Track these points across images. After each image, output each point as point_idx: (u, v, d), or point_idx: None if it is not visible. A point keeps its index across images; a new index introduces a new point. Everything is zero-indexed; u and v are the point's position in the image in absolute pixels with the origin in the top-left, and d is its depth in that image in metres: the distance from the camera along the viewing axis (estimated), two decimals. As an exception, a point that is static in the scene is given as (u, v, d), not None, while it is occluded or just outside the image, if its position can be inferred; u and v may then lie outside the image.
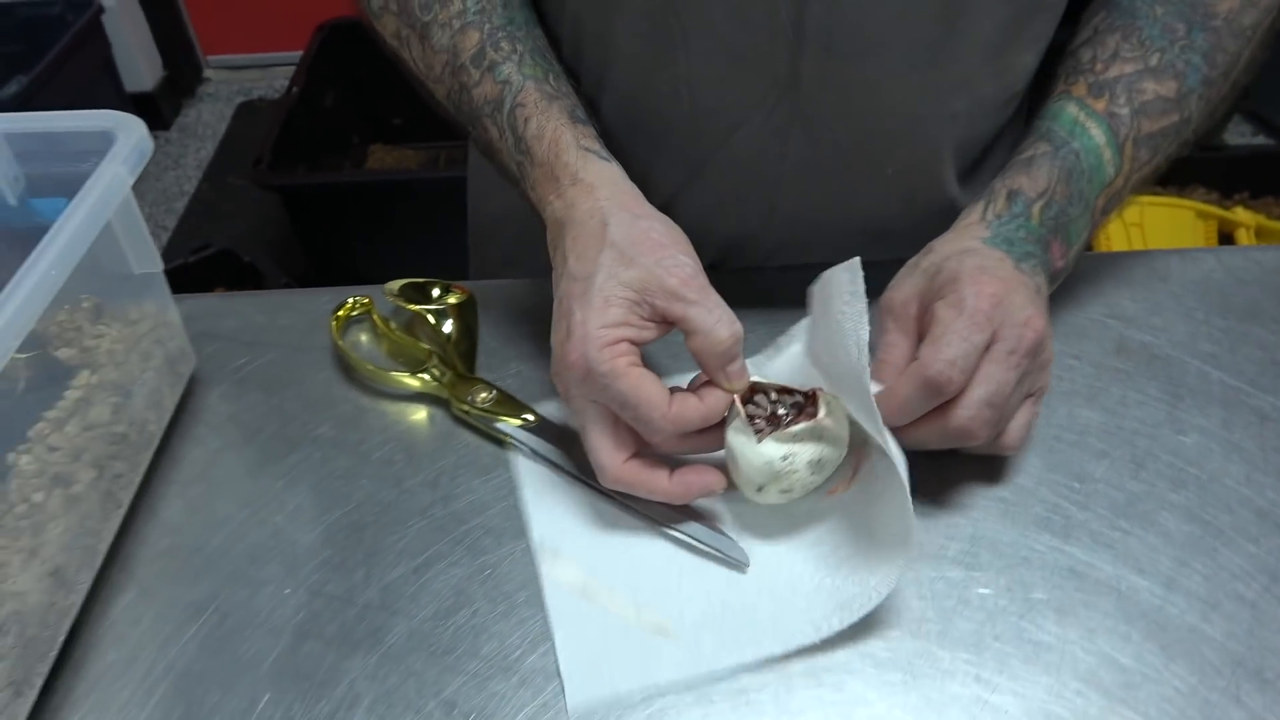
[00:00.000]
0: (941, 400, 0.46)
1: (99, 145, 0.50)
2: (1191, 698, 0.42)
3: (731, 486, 0.47)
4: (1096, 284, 0.61)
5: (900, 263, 0.52)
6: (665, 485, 0.46)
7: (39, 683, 0.43)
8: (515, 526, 0.49)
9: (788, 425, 0.44)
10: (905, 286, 0.49)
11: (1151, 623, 0.44)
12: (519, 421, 0.53)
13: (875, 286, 0.47)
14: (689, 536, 0.48)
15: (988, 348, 0.45)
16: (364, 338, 0.61)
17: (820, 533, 0.47)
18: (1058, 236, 0.50)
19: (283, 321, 0.62)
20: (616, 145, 0.54)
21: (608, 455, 0.46)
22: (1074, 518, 0.49)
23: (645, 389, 0.43)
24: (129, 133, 0.48)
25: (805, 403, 0.46)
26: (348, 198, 1.84)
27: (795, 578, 0.46)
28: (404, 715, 0.42)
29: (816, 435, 0.45)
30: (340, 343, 0.58)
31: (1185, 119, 0.53)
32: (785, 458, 0.44)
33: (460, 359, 0.57)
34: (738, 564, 0.47)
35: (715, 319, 0.44)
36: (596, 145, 0.51)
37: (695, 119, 0.59)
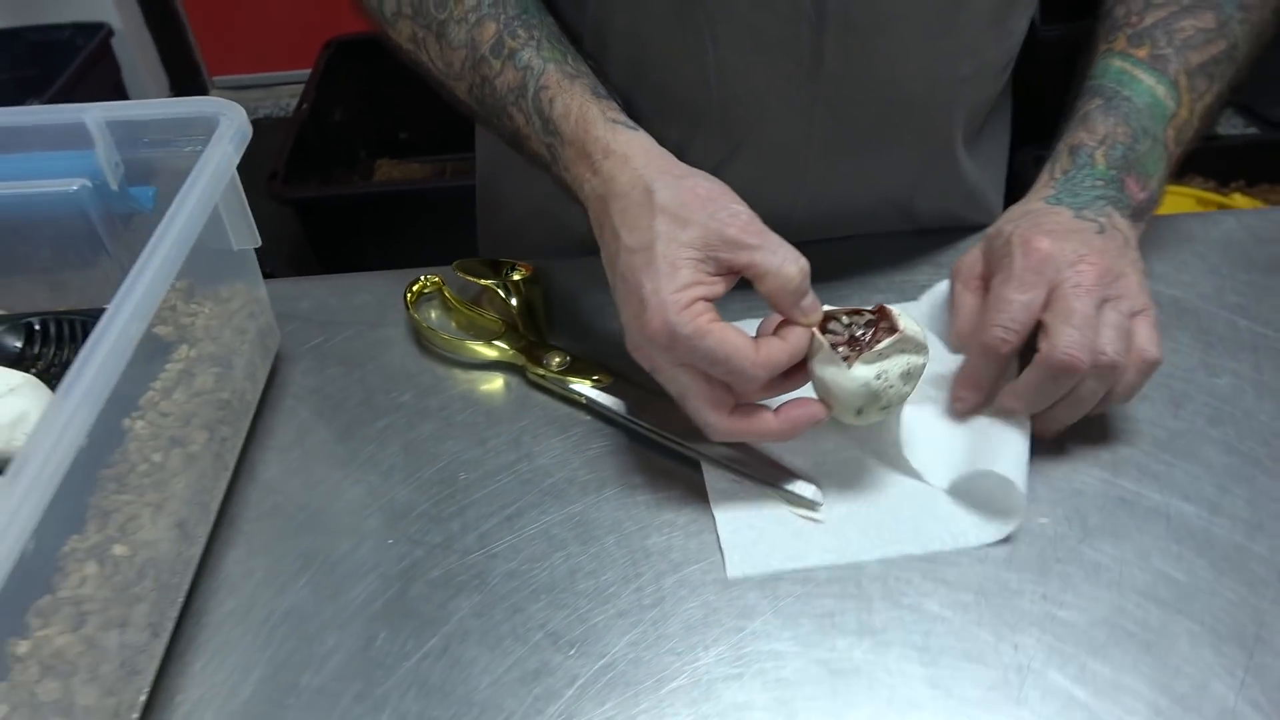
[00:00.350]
0: (1004, 361, 0.49)
1: (185, 131, 0.53)
2: (1243, 606, 0.45)
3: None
4: (1124, 246, 0.65)
5: (919, 234, 0.55)
6: (774, 425, 0.48)
7: (170, 626, 0.46)
8: (598, 478, 0.53)
9: (871, 345, 0.46)
10: (972, 252, 0.53)
11: (1200, 542, 0.48)
12: (591, 382, 0.56)
13: (897, 259, 0.50)
14: (768, 483, 0.51)
15: (1053, 291, 0.48)
16: (434, 314, 0.64)
17: (954, 456, 0.51)
18: (1131, 172, 0.53)
19: (356, 302, 0.65)
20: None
21: (711, 413, 0.48)
22: (1121, 453, 0.52)
23: (731, 340, 0.45)
24: (231, 115, 0.51)
25: (877, 319, 0.48)
26: (360, 208, 1.87)
27: (935, 492, 0.50)
28: (512, 646, 0.45)
29: (901, 347, 0.47)
30: (416, 316, 0.61)
31: (1233, 44, 0.56)
32: (879, 376, 0.46)
33: (530, 329, 0.60)
34: (812, 504, 0.50)
35: (781, 258, 0.46)
36: (622, 116, 0.52)
37: (726, 106, 0.61)
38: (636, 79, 0.62)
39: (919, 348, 0.47)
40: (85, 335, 0.53)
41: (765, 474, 0.51)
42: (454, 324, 0.63)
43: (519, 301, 0.62)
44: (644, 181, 0.48)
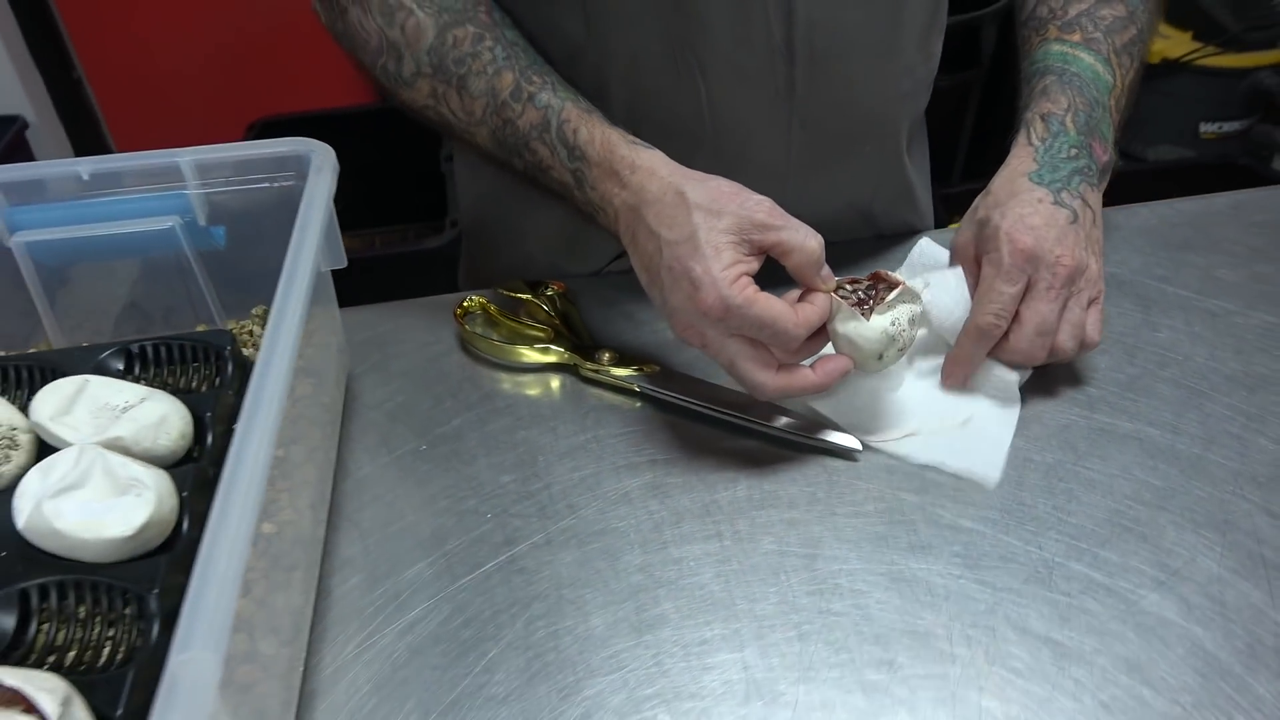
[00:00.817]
0: (994, 342, 0.59)
1: (277, 169, 0.59)
2: (1211, 500, 0.55)
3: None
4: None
5: (877, 239, 0.63)
6: (813, 378, 0.56)
7: (313, 597, 0.51)
8: (663, 449, 0.60)
9: (880, 300, 0.55)
10: (966, 233, 0.63)
11: (1168, 456, 0.58)
12: (641, 371, 0.64)
13: (860, 260, 0.60)
14: (810, 439, 0.59)
15: (1030, 288, 0.58)
16: (480, 329, 0.71)
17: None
18: (1095, 136, 0.63)
19: (406, 323, 0.71)
20: None
21: (762, 374, 0.55)
22: (1093, 394, 0.62)
23: (776, 306, 0.54)
24: (320, 150, 0.58)
25: (875, 282, 0.57)
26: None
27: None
28: (616, 587, 0.52)
29: (904, 298, 0.56)
30: (468, 329, 0.68)
31: (1141, 29, 0.68)
32: (893, 323, 0.55)
33: (573, 334, 0.67)
34: (850, 452, 0.58)
35: (804, 235, 0.54)
36: (638, 140, 0.59)
37: (717, 135, 0.70)
38: (635, 116, 0.69)
39: (916, 297, 0.57)
40: (178, 358, 0.59)
41: (809, 432, 0.59)
42: (497, 336, 0.70)
43: (558, 312, 0.69)
44: (674, 186, 0.55)
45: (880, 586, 0.51)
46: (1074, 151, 0.62)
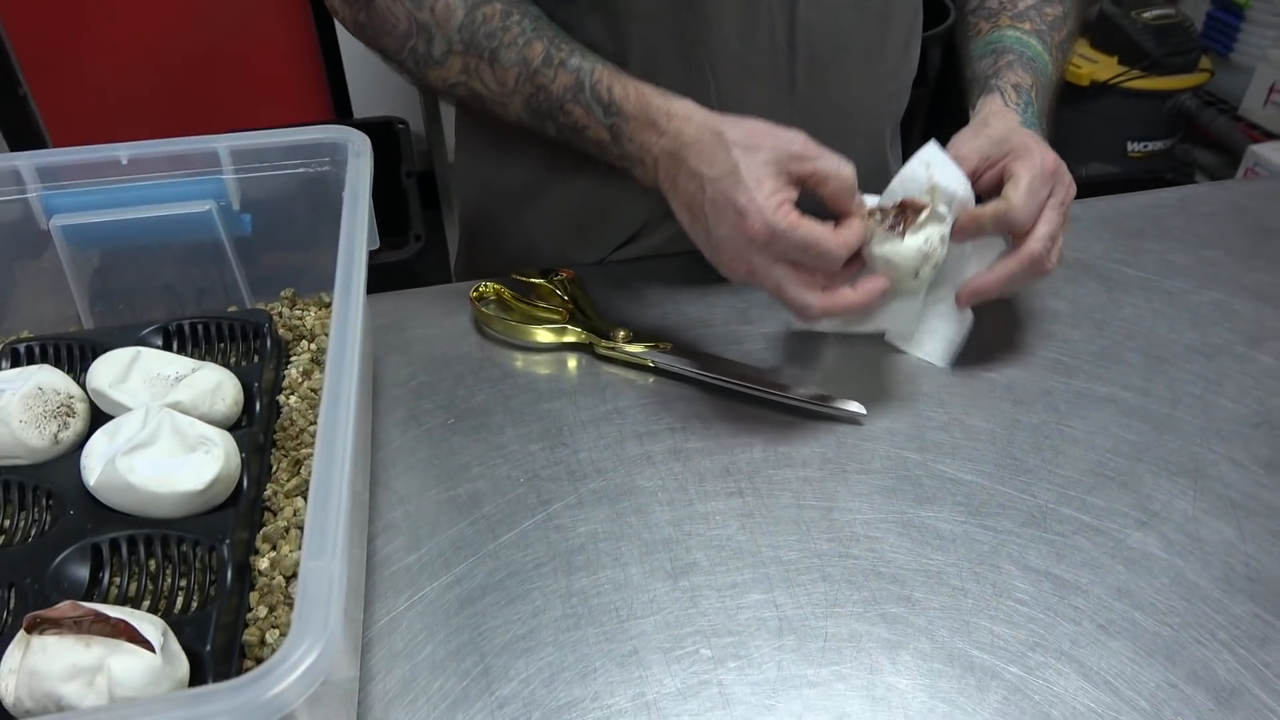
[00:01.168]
0: (1021, 231, 0.61)
1: (311, 155, 0.62)
2: (1182, 451, 0.61)
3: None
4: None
5: None
6: (855, 297, 0.58)
7: (364, 555, 0.54)
8: (680, 419, 0.64)
9: (911, 222, 0.59)
10: (970, 145, 0.63)
11: (1140, 415, 0.64)
12: (655, 349, 0.68)
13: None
14: (818, 405, 0.64)
15: (1045, 202, 0.62)
16: (496, 312, 0.74)
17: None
18: (1045, 119, 0.69)
19: (420, 309, 0.74)
20: None
21: (809, 295, 0.57)
22: (1070, 363, 0.68)
23: (819, 228, 0.56)
24: (356, 137, 0.61)
25: (903, 209, 0.59)
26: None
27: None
28: (642, 535, 0.55)
29: (933, 219, 0.59)
30: (484, 312, 0.71)
31: (1070, 32, 0.75)
32: (926, 240, 0.58)
33: (586, 315, 0.71)
34: (855, 416, 0.63)
35: (838, 163, 0.57)
36: (668, 90, 0.62)
37: None
38: None
39: (942, 219, 0.60)
40: (215, 337, 0.61)
41: (816, 401, 0.64)
42: (515, 319, 0.73)
43: (570, 295, 0.73)
44: (711, 127, 0.59)
45: (893, 533, 0.56)
46: (1035, 120, 0.67)
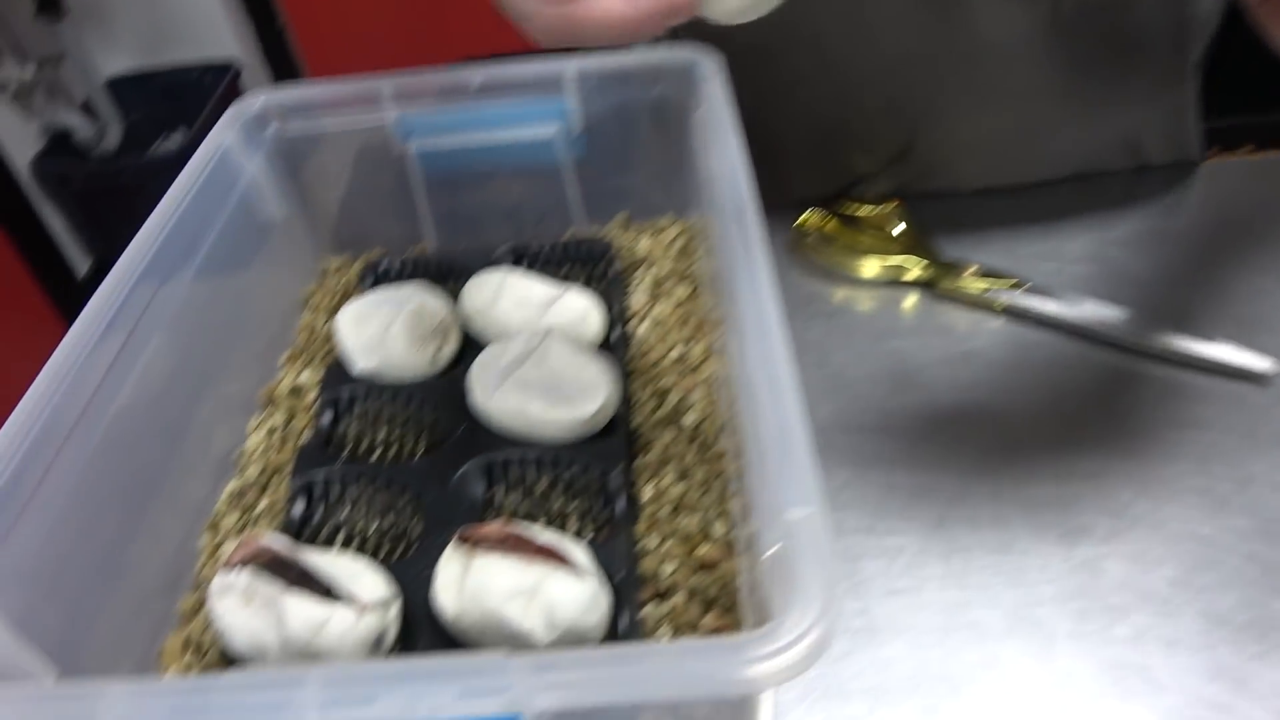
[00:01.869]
0: None
1: (655, 78, 0.60)
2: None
3: None
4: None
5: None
6: (616, 9, 0.36)
7: (726, 488, 0.52)
8: (1047, 368, 0.59)
9: None
10: None
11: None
12: (1008, 287, 0.62)
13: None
14: (1197, 360, 0.57)
15: None
16: (819, 241, 0.70)
17: None
18: None
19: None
20: None
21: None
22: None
23: None
24: (708, 56, 0.58)
25: None
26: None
27: None
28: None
29: None
30: (813, 241, 0.68)
31: None
32: None
33: (925, 248, 0.66)
34: (1260, 376, 0.56)
35: None
36: None
37: None
38: None
39: None
40: (560, 259, 0.60)
41: (1201, 357, 0.57)
42: (839, 251, 0.69)
43: (900, 226, 0.68)
44: None
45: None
46: None
